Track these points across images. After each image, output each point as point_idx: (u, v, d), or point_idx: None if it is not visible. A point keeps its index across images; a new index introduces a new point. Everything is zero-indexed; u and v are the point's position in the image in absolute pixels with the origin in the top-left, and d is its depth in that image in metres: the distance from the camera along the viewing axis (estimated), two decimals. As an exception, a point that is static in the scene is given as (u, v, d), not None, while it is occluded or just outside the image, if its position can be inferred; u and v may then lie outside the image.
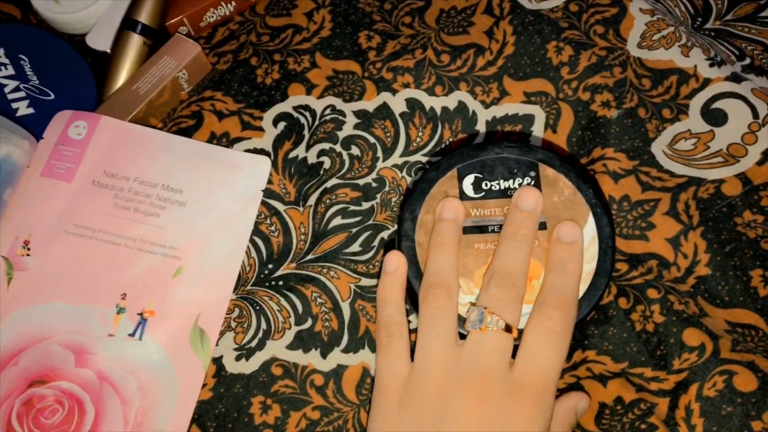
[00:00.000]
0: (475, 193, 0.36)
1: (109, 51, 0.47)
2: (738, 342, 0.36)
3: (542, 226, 0.35)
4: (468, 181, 0.36)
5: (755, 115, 0.42)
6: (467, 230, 0.35)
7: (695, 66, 0.44)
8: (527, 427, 0.29)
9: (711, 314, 0.38)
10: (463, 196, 0.36)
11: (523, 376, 0.31)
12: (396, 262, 0.35)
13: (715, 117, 0.42)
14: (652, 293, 0.38)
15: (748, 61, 0.45)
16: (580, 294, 0.34)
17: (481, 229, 0.35)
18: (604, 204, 0.36)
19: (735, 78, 0.43)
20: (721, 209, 0.40)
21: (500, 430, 0.29)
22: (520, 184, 0.36)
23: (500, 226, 0.35)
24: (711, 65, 0.43)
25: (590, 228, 0.35)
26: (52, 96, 0.45)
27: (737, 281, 0.38)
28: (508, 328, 0.31)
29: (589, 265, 0.34)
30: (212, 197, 0.43)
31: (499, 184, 0.36)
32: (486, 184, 0.36)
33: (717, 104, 0.43)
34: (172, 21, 0.48)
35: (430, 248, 0.34)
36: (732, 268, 0.39)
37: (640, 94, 0.43)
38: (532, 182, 0.36)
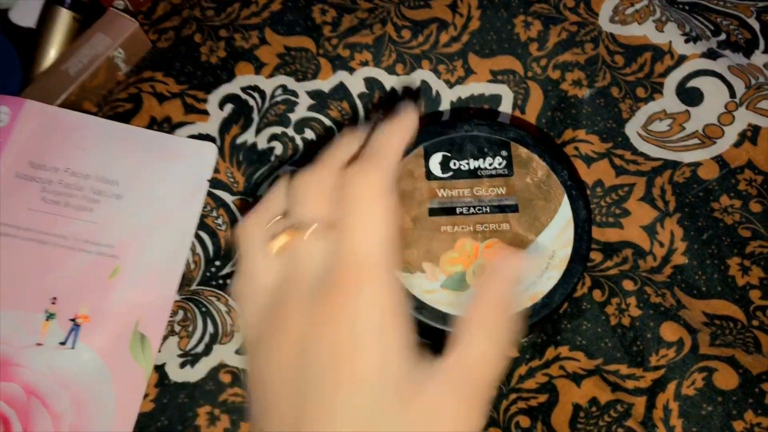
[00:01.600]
0: (443, 173, 0.34)
1: (34, 27, 0.43)
2: (717, 335, 0.34)
3: (514, 208, 0.33)
4: (435, 159, 0.34)
5: (732, 93, 0.40)
6: (434, 212, 0.33)
7: (670, 42, 0.41)
8: (359, 330, 0.23)
9: (688, 306, 0.36)
10: (430, 175, 0.34)
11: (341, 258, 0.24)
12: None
13: (690, 96, 0.40)
14: (627, 285, 0.36)
15: (723, 36, 0.42)
16: (554, 281, 0.32)
17: (447, 211, 0.33)
18: (580, 186, 0.34)
19: (711, 54, 0.41)
20: (698, 194, 0.38)
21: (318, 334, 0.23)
22: (491, 164, 0.34)
23: (469, 208, 0.33)
24: (686, 41, 0.41)
25: (565, 211, 0.33)
26: (-30, 78, 0.41)
27: (715, 270, 0.36)
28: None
29: (564, 251, 0.32)
30: (152, 189, 0.39)
31: (468, 163, 0.34)
32: (454, 164, 0.34)
33: (692, 82, 0.40)
34: (105, -6, 0.43)
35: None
36: (709, 257, 0.37)
37: (613, 72, 0.41)
38: (504, 162, 0.34)
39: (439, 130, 0.35)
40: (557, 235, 0.33)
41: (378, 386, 0.22)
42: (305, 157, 0.40)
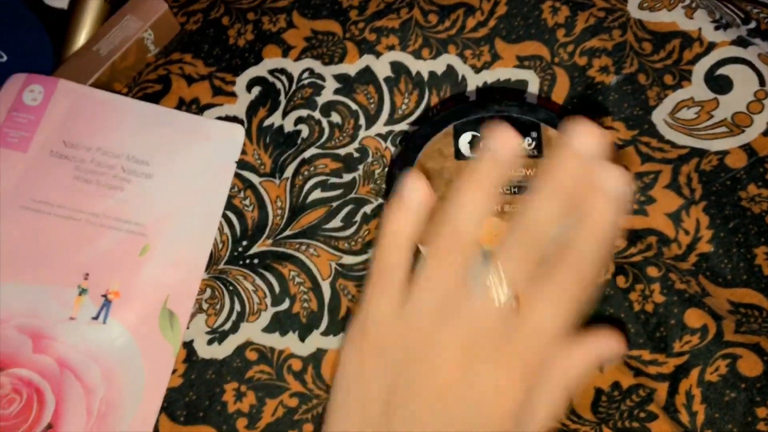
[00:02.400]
0: (472, 153, 0.34)
1: (66, 8, 0.43)
2: (742, 323, 0.34)
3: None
4: (465, 139, 0.34)
5: (762, 82, 0.40)
6: None
7: (699, 29, 0.41)
8: (499, 391, 0.25)
9: (713, 294, 0.36)
10: (459, 155, 0.34)
11: (523, 338, 0.25)
12: (413, 193, 0.27)
13: (719, 84, 0.40)
14: (652, 271, 0.36)
15: (753, 24, 0.42)
16: None
17: None
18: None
19: (741, 42, 0.40)
20: (725, 182, 0.38)
21: (468, 388, 0.25)
22: (521, 145, 0.33)
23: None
24: (716, 28, 0.41)
25: None
26: (5, 58, 0.42)
27: (741, 259, 0.36)
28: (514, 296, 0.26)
29: None
30: (181, 169, 0.40)
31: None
32: (484, 144, 0.34)
33: (722, 70, 0.40)
34: (135, -24, 0.44)
35: (458, 189, 0.27)
36: (735, 245, 0.36)
37: (641, 59, 0.41)
38: (534, 143, 0.34)
39: (469, 110, 0.35)
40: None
41: None
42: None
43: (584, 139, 0.26)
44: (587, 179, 0.26)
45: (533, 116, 0.34)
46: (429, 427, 0.25)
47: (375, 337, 0.27)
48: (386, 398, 0.26)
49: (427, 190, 0.28)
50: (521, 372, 0.25)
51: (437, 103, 0.41)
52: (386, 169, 0.39)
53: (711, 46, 0.40)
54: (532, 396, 0.26)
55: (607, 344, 0.27)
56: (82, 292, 0.37)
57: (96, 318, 0.36)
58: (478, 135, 0.34)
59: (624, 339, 0.28)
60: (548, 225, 0.26)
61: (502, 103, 0.35)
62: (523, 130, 0.34)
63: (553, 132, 0.34)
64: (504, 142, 0.27)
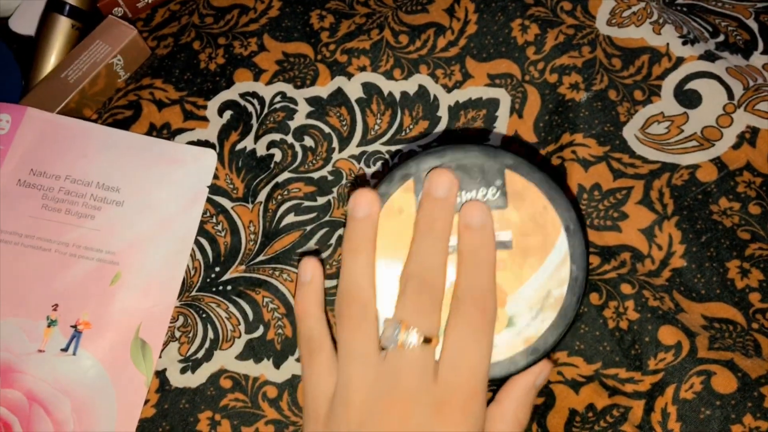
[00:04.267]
0: None
1: (34, 35, 0.43)
2: (716, 339, 0.34)
3: (508, 244, 0.31)
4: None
5: (730, 95, 0.40)
6: None
7: (667, 44, 0.41)
8: None
9: (687, 309, 0.35)
10: None
11: (447, 386, 0.28)
12: (311, 272, 0.33)
13: (688, 98, 0.40)
14: (625, 288, 0.36)
15: (722, 37, 0.42)
16: (549, 323, 0.30)
17: None
18: (580, 218, 0.33)
19: (709, 56, 0.41)
20: (696, 196, 0.38)
21: None
22: (484, 195, 0.31)
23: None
24: (684, 43, 0.41)
25: (561, 247, 0.31)
26: (-28, 86, 0.41)
27: (714, 273, 0.36)
28: (427, 339, 0.29)
29: (559, 290, 0.31)
30: (153, 195, 0.39)
31: (461, 195, 0.31)
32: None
33: (690, 85, 0.40)
34: (104, 1, 0.44)
35: (342, 254, 0.31)
36: (708, 260, 0.37)
37: (611, 75, 0.41)
38: (498, 192, 0.31)
39: (429, 160, 0.32)
40: (552, 273, 0.31)
41: None
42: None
43: (439, 185, 0.30)
44: (450, 217, 0.31)
45: (498, 162, 0.32)
46: None
47: (322, 417, 0.30)
48: None
49: (315, 262, 0.33)
50: (461, 408, 0.28)
51: (396, 152, 0.40)
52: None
53: (679, 61, 0.41)
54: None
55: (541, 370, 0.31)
56: (51, 323, 0.36)
57: (65, 349, 0.36)
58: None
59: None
60: (433, 265, 0.30)
61: (463, 149, 0.32)
62: (488, 178, 0.31)
63: (520, 179, 0.31)
64: (366, 201, 0.31)
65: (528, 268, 0.31)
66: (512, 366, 0.30)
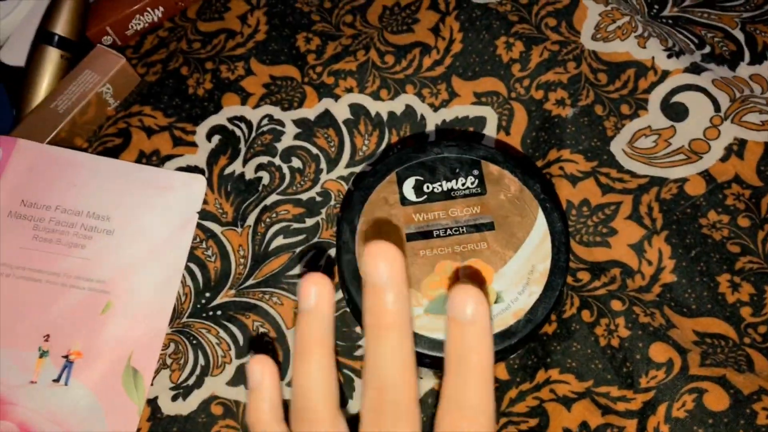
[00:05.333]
0: (417, 197, 0.35)
1: (24, 66, 0.43)
2: (707, 354, 0.34)
3: (490, 226, 0.34)
4: (408, 185, 0.35)
5: (717, 108, 0.40)
6: (411, 237, 0.34)
7: (653, 57, 0.41)
8: None
9: (678, 325, 0.35)
10: (404, 201, 0.35)
11: None
12: (260, 376, 0.25)
13: (675, 111, 0.40)
14: (616, 305, 0.36)
15: (708, 49, 0.42)
16: (536, 296, 0.32)
17: (425, 235, 0.34)
18: (554, 198, 0.35)
19: (695, 69, 0.41)
20: (685, 210, 0.38)
21: None
22: (463, 185, 0.35)
23: (445, 230, 0.34)
24: (669, 56, 0.41)
25: (541, 224, 0.34)
26: (-37, 119, 0.41)
27: (704, 288, 0.36)
28: None
29: (543, 264, 0.33)
30: (143, 223, 0.39)
31: (441, 185, 0.35)
32: (428, 187, 0.35)
33: (677, 98, 0.40)
34: (93, 30, 0.44)
35: (293, 357, 0.25)
36: (698, 274, 0.36)
37: (597, 90, 0.41)
38: (476, 181, 0.35)
39: (411, 155, 0.35)
40: (535, 249, 0.33)
41: None
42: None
43: (382, 268, 0.23)
44: (406, 308, 0.24)
45: (473, 154, 0.35)
46: None
47: None
48: None
49: (267, 363, 0.25)
50: None
51: (397, 142, 0.41)
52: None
53: (665, 75, 0.41)
54: None
55: None
56: (43, 354, 0.36)
57: (57, 380, 0.36)
58: (422, 179, 0.35)
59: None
60: (394, 378, 0.24)
61: (441, 145, 0.35)
62: (465, 169, 0.35)
63: (494, 168, 0.35)
64: (313, 286, 0.24)
65: (511, 246, 0.33)
66: (507, 338, 0.32)
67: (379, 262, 0.23)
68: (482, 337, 0.23)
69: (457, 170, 0.35)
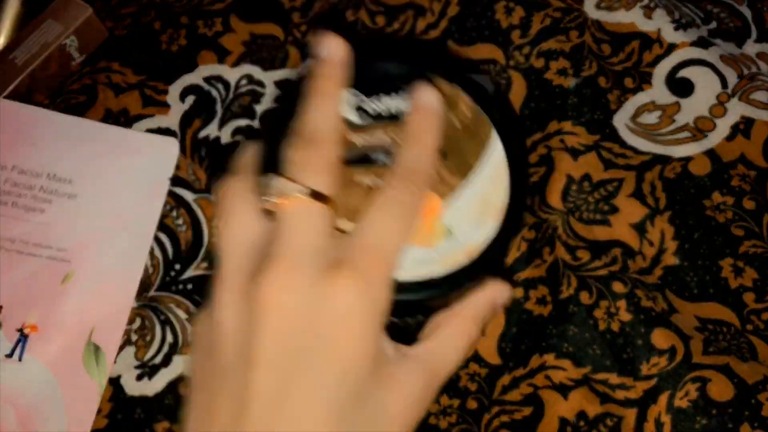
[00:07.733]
0: (359, 119, 0.29)
1: (-21, 13, 0.40)
2: (710, 341, 0.32)
3: (443, 155, 0.28)
4: (349, 103, 0.29)
5: (724, 84, 0.38)
6: (350, 162, 0.28)
7: (659, 29, 0.39)
8: (345, 308, 0.23)
9: (680, 309, 0.33)
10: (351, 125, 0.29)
11: (350, 249, 0.24)
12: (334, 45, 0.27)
13: (681, 87, 0.38)
14: (617, 287, 0.34)
15: (714, 24, 0.40)
16: (493, 231, 0.28)
17: (365, 161, 0.28)
18: (512, 120, 0.30)
19: (702, 43, 0.39)
20: (689, 190, 0.36)
21: (309, 313, 0.23)
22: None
23: (390, 156, 0.28)
24: (676, 29, 0.39)
25: (496, 150, 0.29)
26: None
27: (707, 272, 0.34)
28: (317, 196, 0.24)
29: (499, 197, 0.28)
30: (108, 187, 0.36)
31: (386, 106, 0.29)
32: (370, 108, 0.29)
33: (683, 72, 0.38)
34: (57, -23, 0.40)
35: (308, 96, 0.27)
36: (701, 258, 0.35)
37: (600, 61, 0.39)
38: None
39: (352, 70, 0.29)
40: (490, 180, 0.29)
41: (363, 369, 0.23)
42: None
43: (323, 44, 0.27)
44: (339, 77, 0.27)
45: (420, 68, 0.29)
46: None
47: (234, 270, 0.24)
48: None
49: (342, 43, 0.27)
50: (364, 289, 0.23)
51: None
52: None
53: (671, 48, 0.39)
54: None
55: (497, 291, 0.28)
56: (-6, 327, 0.33)
57: (10, 355, 0.33)
58: (364, 98, 0.29)
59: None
60: (318, 124, 0.26)
61: (387, 59, 0.30)
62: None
63: (447, 86, 0.29)
64: (338, 42, 0.27)
65: (463, 176, 0.29)
66: (456, 280, 0.27)
67: (330, 41, 0.27)
68: (433, 121, 0.27)
69: (405, 88, 0.29)
